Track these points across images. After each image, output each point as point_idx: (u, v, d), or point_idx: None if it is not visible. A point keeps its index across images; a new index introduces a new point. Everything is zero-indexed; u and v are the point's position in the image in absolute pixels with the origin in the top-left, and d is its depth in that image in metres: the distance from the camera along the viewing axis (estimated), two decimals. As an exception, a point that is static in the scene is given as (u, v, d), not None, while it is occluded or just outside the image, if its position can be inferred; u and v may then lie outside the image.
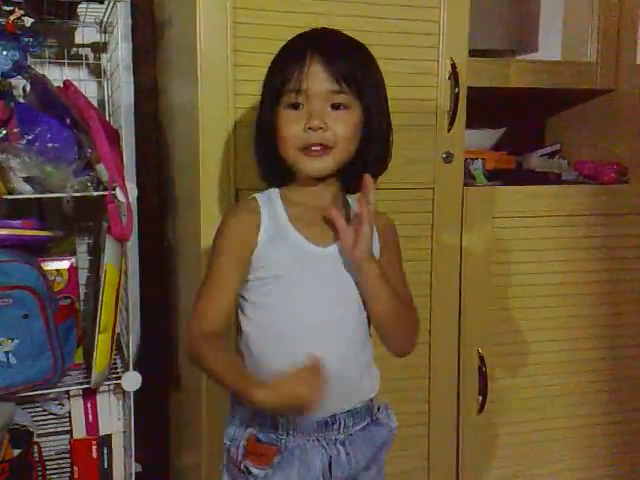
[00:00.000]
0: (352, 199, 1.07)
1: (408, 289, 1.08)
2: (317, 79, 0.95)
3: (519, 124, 1.85)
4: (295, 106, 0.97)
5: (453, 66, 1.40)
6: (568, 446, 1.63)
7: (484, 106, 1.47)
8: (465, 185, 1.47)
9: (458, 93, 1.41)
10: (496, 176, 1.62)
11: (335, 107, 0.97)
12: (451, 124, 1.42)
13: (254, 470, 1.00)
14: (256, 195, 1.04)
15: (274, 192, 1.04)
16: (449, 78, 1.41)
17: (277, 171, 1.03)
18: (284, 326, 0.99)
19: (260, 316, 1.02)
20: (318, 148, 0.97)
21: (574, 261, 1.57)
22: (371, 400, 1.06)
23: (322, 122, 0.95)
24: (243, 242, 1.00)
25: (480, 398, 1.53)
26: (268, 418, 1.00)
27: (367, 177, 0.98)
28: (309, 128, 0.95)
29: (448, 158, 1.43)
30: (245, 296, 1.03)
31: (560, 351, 1.59)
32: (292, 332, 0.99)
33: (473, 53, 1.45)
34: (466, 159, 1.51)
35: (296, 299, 0.99)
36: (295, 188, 1.04)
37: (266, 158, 1.03)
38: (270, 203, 1.03)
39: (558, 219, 1.54)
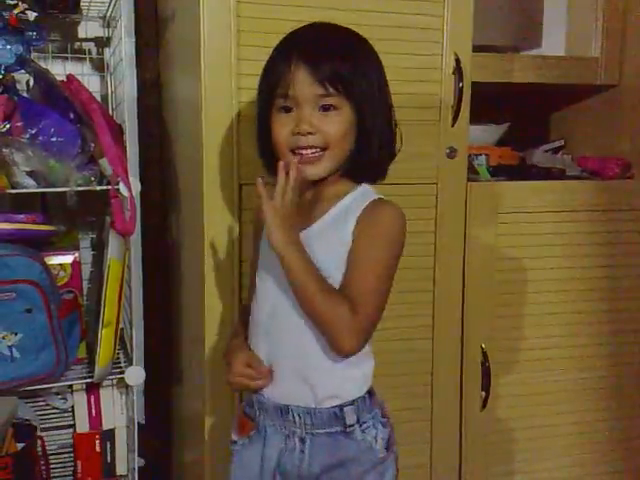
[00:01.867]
0: (361, 190, 1.05)
1: (369, 286, 0.97)
2: (303, 85, 0.97)
3: (523, 120, 1.85)
4: (286, 109, 0.99)
5: (457, 61, 1.40)
6: (571, 442, 1.63)
7: (488, 101, 1.47)
8: (469, 180, 1.47)
9: (462, 88, 1.40)
10: (500, 172, 1.62)
11: (325, 109, 0.98)
12: (455, 119, 1.42)
13: (234, 436, 1.10)
14: None
15: None
16: (453, 73, 1.40)
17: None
18: (252, 314, 1.07)
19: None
20: (309, 152, 0.99)
21: (578, 257, 1.56)
22: (341, 409, 1.01)
23: (310, 127, 0.97)
24: (257, 229, 1.11)
25: (483, 394, 1.53)
26: (251, 395, 1.07)
27: (290, 162, 0.97)
28: (298, 133, 0.98)
29: (452, 153, 1.43)
30: None
31: (563, 347, 1.59)
32: (253, 320, 1.06)
33: (476, 49, 1.45)
34: (470, 154, 1.51)
35: (259, 288, 1.06)
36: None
37: (268, 159, 1.05)
38: None
39: (562, 215, 1.54)
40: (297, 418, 1.01)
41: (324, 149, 0.99)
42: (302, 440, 1.02)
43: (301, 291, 0.95)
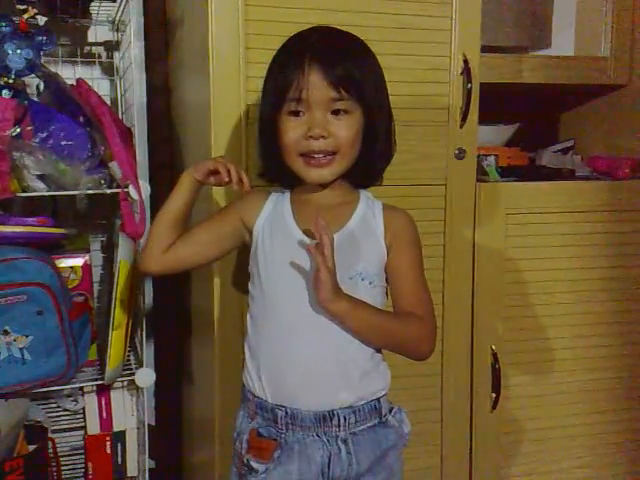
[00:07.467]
0: (364, 194, 1.08)
1: (420, 291, 1.03)
2: (317, 88, 0.96)
3: (532, 120, 1.84)
4: (296, 113, 0.98)
5: (465, 62, 1.39)
6: (582, 443, 1.62)
7: (497, 102, 1.46)
8: (478, 181, 1.47)
9: (470, 89, 1.40)
10: (509, 172, 1.61)
11: (335, 113, 0.98)
12: (463, 120, 1.42)
13: (254, 464, 1.01)
14: (272, 190, 1.09)
15: (287, 192, 1.08)
16: (461, 74, 1.40)
17: (285, 175, 1.05)
18: (270, 317, 1.02)
19: (253, 310, 1.05)
20: (321, 156, 0.99)
21: (588, 257, 1.56)
22: (378, 400, 1.04)
23: (324, 131, 0.97)
24: (241, 214, 1.06)
25: (493, 395, 1.52)
26: (269, 411, 1.01)
27: (319, 221, 0.92)
28: (310, 136, 0.97)
29: (460, 154, 1.43)
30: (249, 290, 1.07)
31: (574, 348, 1.58)
32: (276, 323, 1.01)
33: (485, 50, 1.44)
34: (479, 155, 1.50)
35: (283, 290, 1.01)
36: (304, 188, 1.05)
37: (272, 163, 1.05)
38: (281, 197, 1.07)
39: (572, 215, 1.53)
40: (342, 420, 1.00)
41: (334, 153, 0.99)
42: (344, 441, 1.00)
43: (377, 335, 0.99)
